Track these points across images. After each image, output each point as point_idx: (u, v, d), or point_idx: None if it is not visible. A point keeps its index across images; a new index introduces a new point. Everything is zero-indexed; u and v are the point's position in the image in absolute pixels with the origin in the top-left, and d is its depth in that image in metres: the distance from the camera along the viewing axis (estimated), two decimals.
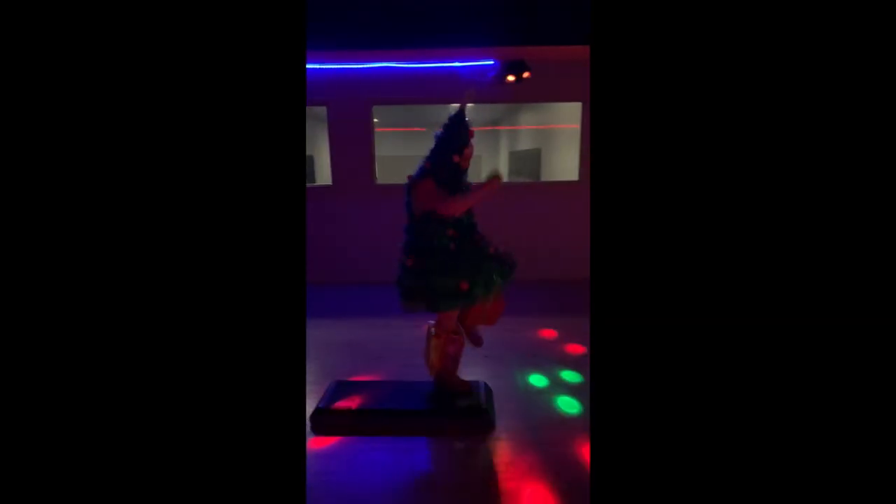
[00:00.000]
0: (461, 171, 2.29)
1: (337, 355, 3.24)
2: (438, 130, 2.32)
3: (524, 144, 9.31)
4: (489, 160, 12.05)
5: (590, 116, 0.91)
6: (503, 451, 2.16)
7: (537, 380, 2.85)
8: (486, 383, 2.65)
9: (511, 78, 4.37)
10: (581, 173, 4.94)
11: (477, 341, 2.56)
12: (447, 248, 2.25)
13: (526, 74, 4.34)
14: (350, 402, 2.44)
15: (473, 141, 2.32)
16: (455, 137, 2.26)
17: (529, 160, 8.61)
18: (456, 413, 2.37)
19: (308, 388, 2.72)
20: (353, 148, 4.74)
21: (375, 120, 4.96)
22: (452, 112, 2.34)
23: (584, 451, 2.14)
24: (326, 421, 2.36)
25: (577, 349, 3.27)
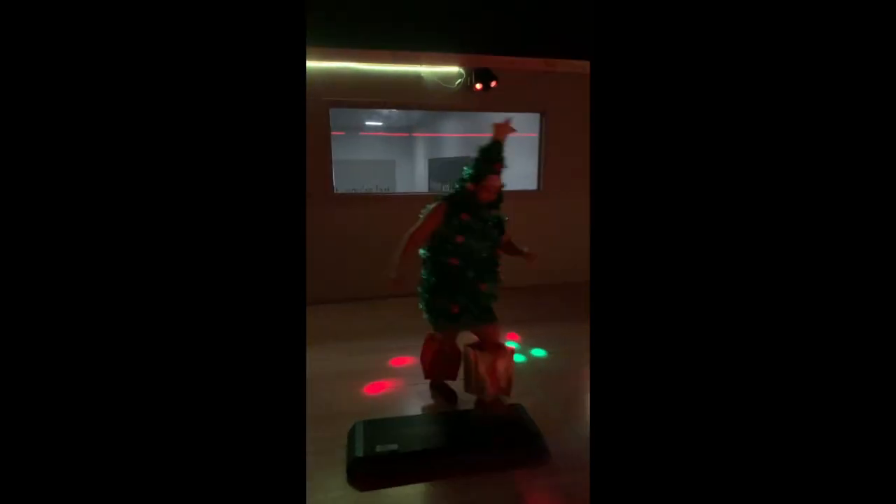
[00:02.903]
0: (476, 200, 2.31)
1: (333, 389, 2.86)
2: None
3: (449, 152, 9.33)
4: (404, 167, 11.90)
5: (590, 127, 0.98)
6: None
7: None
8: (521, 405, 2.53)
9: (479, 86, 4.31)
10: (539, 182, 5.06)
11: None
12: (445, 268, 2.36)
13: (493, 84, 4.32)
14: (390, 445, 2.15)
15: (500, 175, 2.34)
16: (479, 167, 2.30)
17: (457, 168, 8.63)
18: (511, 443, 2.21)
19: (320, 430, 2.35)
20: (310, 153, 4.28)
21: None
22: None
23: None
24: (368, 469, 2.05)
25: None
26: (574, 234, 4.93)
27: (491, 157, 2.30)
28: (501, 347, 2.41)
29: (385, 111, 8.66)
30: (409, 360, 3.18)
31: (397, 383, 2.97)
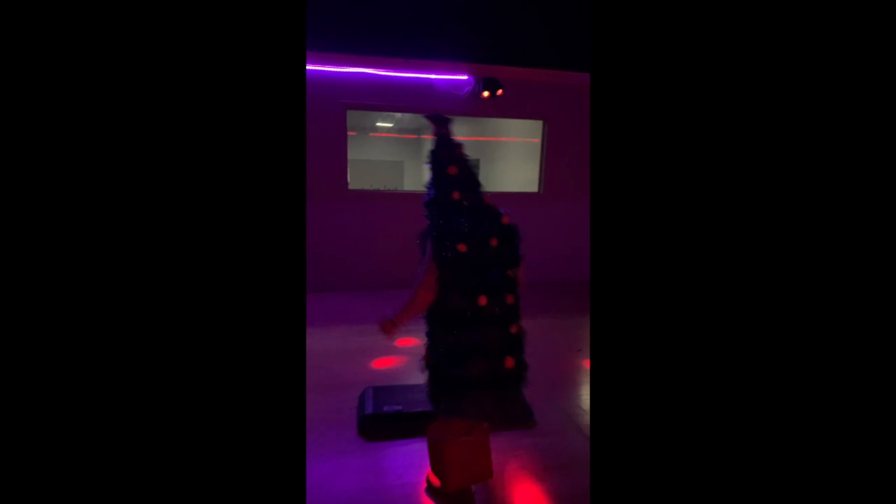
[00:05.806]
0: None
1: (344, 363, 3.19)
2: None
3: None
4: (412, 167, 12.22)
5: (591, 134, 1.05)
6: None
7: None
8: None
9: (486, 94, 4.63)
10: (540, 185, 5.38)
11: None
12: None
13: (499, 92, 4.63)
14: (396, 406, 2.47)
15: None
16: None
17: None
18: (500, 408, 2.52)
19: (334, 396, 2.68)
20: (327, 152, 4.63)
21: None
22: None
23: None
24: (376, 427, 2.37)
25: None
26: (574, 233, 5.29)
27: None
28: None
29: (397, 114, 9.05)
30: (414, 342, 3.50)
31: (402, 360, 3.29)
